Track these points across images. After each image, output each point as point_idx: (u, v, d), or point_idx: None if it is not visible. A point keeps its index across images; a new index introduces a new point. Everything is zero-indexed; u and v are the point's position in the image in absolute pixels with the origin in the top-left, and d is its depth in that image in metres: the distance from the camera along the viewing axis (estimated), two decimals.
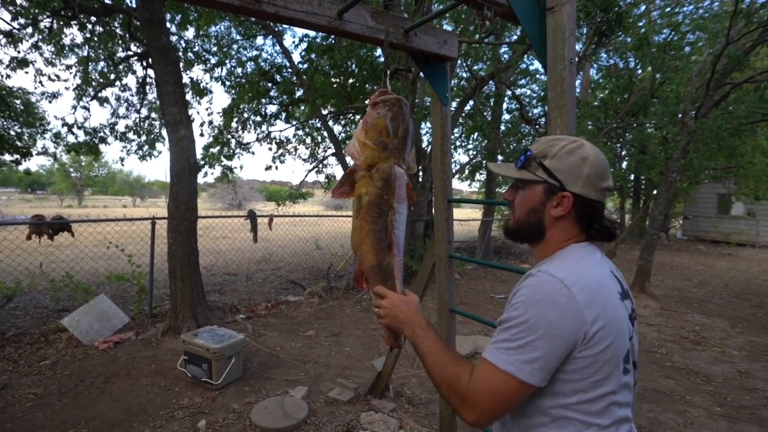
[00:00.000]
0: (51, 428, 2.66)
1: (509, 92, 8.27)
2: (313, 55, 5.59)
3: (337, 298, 6.04)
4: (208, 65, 6.97)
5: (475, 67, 7.73)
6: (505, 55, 8.18)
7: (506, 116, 9.38)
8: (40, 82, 6.39)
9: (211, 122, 7.71)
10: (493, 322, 2.72)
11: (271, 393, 3.17)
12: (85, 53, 6.22)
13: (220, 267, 8.09)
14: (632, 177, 14.35)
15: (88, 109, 6.53)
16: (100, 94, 6.52)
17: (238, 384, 3.29)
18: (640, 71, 10.52)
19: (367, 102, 1.12)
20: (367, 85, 5.90)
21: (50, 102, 6.65)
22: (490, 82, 7.32)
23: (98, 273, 6.06)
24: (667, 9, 9.11)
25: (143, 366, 3.56)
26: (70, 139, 6.59)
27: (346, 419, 2.83)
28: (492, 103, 8.62)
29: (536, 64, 10.20)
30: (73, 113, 6.50)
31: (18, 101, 6.41)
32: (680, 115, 7.17)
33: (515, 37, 7.74)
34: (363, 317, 5.23)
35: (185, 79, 6.12)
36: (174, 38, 6.38)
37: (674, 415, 3.07)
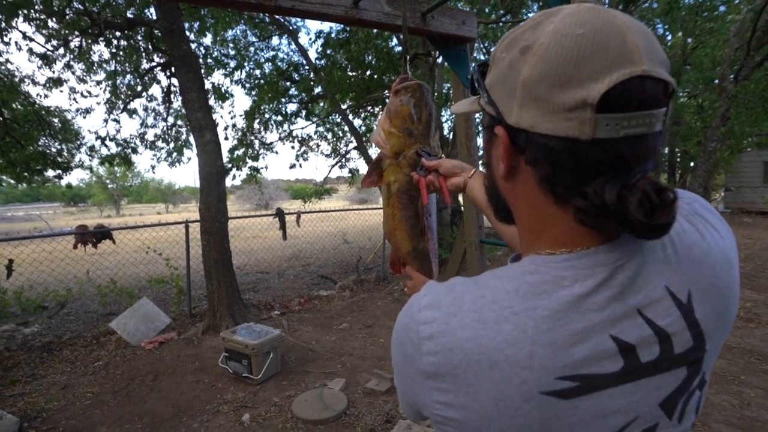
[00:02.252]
0: (109, 424, 2.83)
1: None
2: (330, 50, 5.60)
3: (368, 291, 6.09)
4: (228, 69, 7.12)
5: (493, 49, 7.52)
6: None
7: None
8: (74, 99, 6.72)
9: (234, 125, 7.89)
10: None
11: (309, 386, 3.24)
12: (113, 68, 6.48)
13: (253, 266, 8.30)
14: (666, 150, 13.67)
15: (118, 122, 6.85)
16: (128, 106, 6.80)
17: (277, 378, 3.38)
18: (669, 37, 9.94)
19: (386, 92, 1.09)
20: (384, 77, 5.87)
21: (84, 117, 6.99)
22: None
23: (139, 277, 6.35)
24: None
25: (187, 364, 3.72)
26: (104, 151, 6.93)
27: (384, 409, 2.86)
28: None
29: None
30: (105, 126, 6.83)
31: (56, 119, 6.77)
32: (717, 81, 6.73)
33: (532, 14, 7.44)
34: (395, 308, 5.25)
35: (207, 85, 6.26)
36: (193, 46, 6.54)
37: (729, 397, 2.93)
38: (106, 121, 6.69)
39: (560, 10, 0.42)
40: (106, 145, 6.69)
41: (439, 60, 5.62)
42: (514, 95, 0.42)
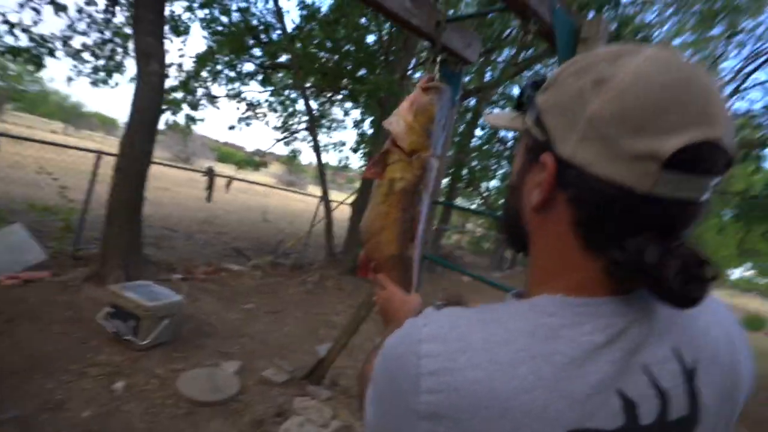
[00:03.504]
0: None
1: (488, 110, 8.52)
2: (312, 25, 5.32)
3: (282, 275, 5.86)
4: (193, 3, 6.39)
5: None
6: (488, 73, 8.42)
7: (479, 132, 9.65)
8: None
9: (180, 65, 7.11)
10: None
11: (201, 363, 2.98)
12: None
13: (158, 219, 7.50)
14: None
15: (38, 12, 5.68)
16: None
17: (166, 348, 3.05)
18: None
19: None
20: (360, 69, 5.75)
21: None
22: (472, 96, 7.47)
23: (14, 199, 5.36)
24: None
25: (57, 311, 3.19)
26: (9, 40, 5.70)
27: (278, 401, 2.73)
28: (469, 117, 8.83)
29: (515, 90, 10.61)
30: (20, 11, 5.63)
31: None
32: None
33: (499, 58, 7.98)
34: (306, 299, 5.12)
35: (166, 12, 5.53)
36: None
37: None
38: (21, 5, 5.54)
39: (640, 49, 0.40)
40: (14, 34, 5.51)
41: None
42: (576, 127, 0.39)
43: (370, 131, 7.73)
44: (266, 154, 7.94)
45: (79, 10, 5.92)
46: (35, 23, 5.37)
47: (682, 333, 0.43)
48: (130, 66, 6.85)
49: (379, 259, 1.01)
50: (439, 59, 1.10)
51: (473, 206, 16.74)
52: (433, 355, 0.39)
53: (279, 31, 6.63)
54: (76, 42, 6.16)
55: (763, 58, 5.97)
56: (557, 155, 0.41)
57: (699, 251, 0.38)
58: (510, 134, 9.68)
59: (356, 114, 8.42)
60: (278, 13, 6.51)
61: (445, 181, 11.55)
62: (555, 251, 0.44)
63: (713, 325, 0.47)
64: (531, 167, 0.46)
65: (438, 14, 1.78)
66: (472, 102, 8.35)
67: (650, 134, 0.36)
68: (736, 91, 5.67)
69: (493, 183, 10.81)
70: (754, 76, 5.98)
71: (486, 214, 15.16)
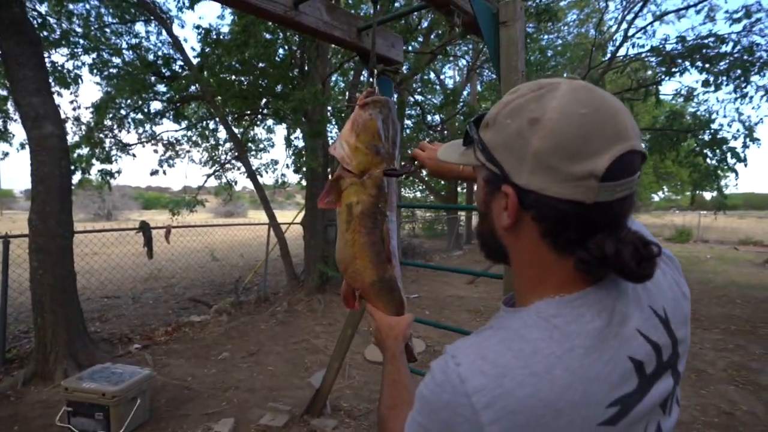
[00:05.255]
0: None
1: (411, 99, 8.67)
2: (218, 51, 5.00)
3: (249, 314, 5.57)
4: (76, 49, 5.77)
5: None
6: (406, 64, 8.57)
7: (407, 122, 9.81)
8: None
9: (77, 118, 6.43)
10: (450, 326, 2.75)
11: None
12: None
13: (95, 289, 6.79)
14: None
15: None
16: None
17: (144, 429, 2.77)
18: None
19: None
20: (277, 86, 5.56)
21: None
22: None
23: None
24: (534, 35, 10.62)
25: None
26: None
27: None
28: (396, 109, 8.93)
29: (433, 75, 10.93)
30: None
31: None
32: None
33: (409, 47, 8.15)
34: (280, 331, 4.91)
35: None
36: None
37: None
38: None
39: (557, 85, 0.49)
40: None
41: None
42: (525, 161, 0.48)
43: (301, 144, 7.56)
44: (198, 190, 7.43)
45: None
46: None
47: (650, 293, 0.54)
48: (18, 131, 6.10)
49: (361, 287, 0.99)
50: (376, 72, 1.07)
51: (416, 193, 17.10)
52: (480, 389, 0.44)
53: (181, 62, 6.22)
54: None
55: (638, 5, 6.72)
56: (515, 185, 0.49)
57: (642, 234, 0.48)
58: (438, 119, 9.96)
59: (281, 130, 8.17)
60: (176, 44, 6.11)
61: None
62: (533, 259, 0.52)
63: (664, 275, 0.59)
64: (494, 196, 0.54)
65: (359, 21, 1.74)
66: (395, 94, 8.45)
67: (584, 158, 0.45)
68: (625, 38, 6.31)
69: None
70: (635, 22, 6.69)
71: (445, 208, 15.56)
